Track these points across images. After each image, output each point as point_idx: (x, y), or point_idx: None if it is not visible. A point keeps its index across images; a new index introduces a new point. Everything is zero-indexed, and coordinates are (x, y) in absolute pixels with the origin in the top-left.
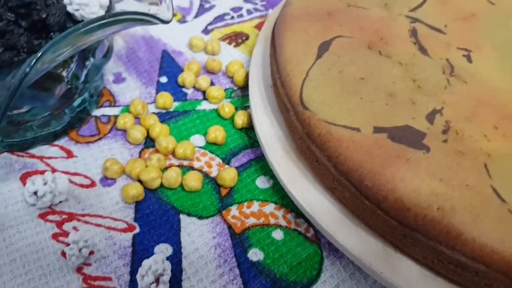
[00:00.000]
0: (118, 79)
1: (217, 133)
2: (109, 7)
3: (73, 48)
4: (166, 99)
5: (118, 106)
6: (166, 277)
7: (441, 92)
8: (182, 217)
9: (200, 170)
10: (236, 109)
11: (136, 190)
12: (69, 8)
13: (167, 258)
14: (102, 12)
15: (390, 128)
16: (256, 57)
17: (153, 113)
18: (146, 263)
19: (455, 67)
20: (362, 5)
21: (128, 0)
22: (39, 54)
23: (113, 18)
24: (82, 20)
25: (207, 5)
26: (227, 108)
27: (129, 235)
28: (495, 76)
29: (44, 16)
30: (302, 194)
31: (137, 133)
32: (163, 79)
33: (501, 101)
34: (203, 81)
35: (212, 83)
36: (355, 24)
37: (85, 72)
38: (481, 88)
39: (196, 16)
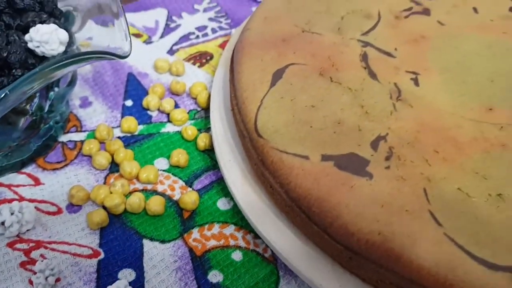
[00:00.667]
0: (85, 103)
1: (179, 156)
2: (70, 42)
3: (39, 84)
4: (130, 123)
5: (85, 131)
6: None
7: (387, 118)
8: (145, 241)
9: (163, 194)
10: (200, 130)
11: (100, 217)
12: (30, 45)
13: (130, 283)
14: (62, 48)
15: (336, 156)
16: (217, 79)
17: (119, 137)
18: None
19: (403, 91)
20: (317, 31)
21: (90, 26)
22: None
23: (71, 59)
24: (44, 56)
25: (172, 25)
26: (190, 131)
27: (94, 261)
28: (441, 99)
29: (5, 55)
30: (259, 218)
31: (102, 159)
32: (129, 103)
33: (443, 125)
34: (167, 103)
35: (176, 105)
36: (308, 51)
37: (49, 102)
38: (425, 112)
39: (162, 36)
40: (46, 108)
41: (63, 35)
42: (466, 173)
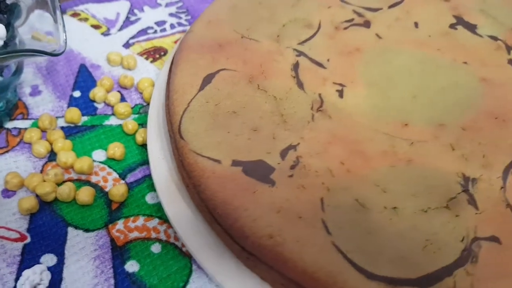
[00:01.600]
0: (35, 91)
1: (115, 149)
2: (12, 35)
3: None
4: (73, 114)
5: (30, 119)
6: (42, 287)
7: (303, 128)
8: (70, 229)
9: (96, 185)
10: (142, 125)
11: (30, 204)
12: None
13: (50, 268)
14: (1, 43)
15: (245, 162)
16: (160, 78)
17: (62, 127)
18: (25, 273)
19: (325, 102)
20: (255, 37)
21: (32, 19)
22: None
23: (5, 55)
24: None
25: (133, 18)
26: (130, 125)
27: (19, 245)
28: (360, 112)
29: None
30: (176, 214)
31: (41, 148)
32: (77, 93)
33: (356, 137)
34: (113, 97)
35: (123, 99)
36: (241, 57)
37: None
38: (342, 123)
39: (121, 29)
40: None
41: (1, 30)
42: (367, 185)
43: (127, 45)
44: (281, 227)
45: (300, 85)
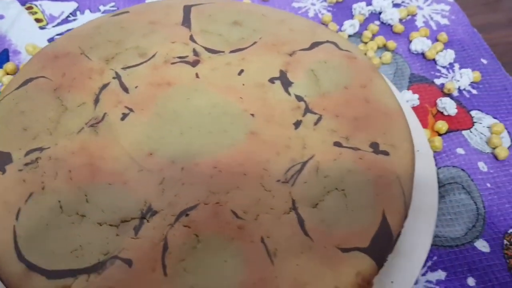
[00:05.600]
0: None
1: None
2: None
3: None
4: None
5: None
6: None
7: (64, 136)
8: None
9: None
10: None
11: None
12: None
13: None
14: None
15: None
16: None
17: None
18: None
19: (105, 121)
20: (91, 56)
21: None
22: None
23: None
24: None
25: (71, 18)
26: None
27: None
28: (128, 136)
29: None
30: None
31: None
32: None
33: (103, 155)
34: (7, 79)
35: None
36: (64, 70)
37: None
38: (102, 141)
39: (56, 25)
40: None
41: None
42: (76, 193)
43: (51, 40)
44: None
45: (96, 102)
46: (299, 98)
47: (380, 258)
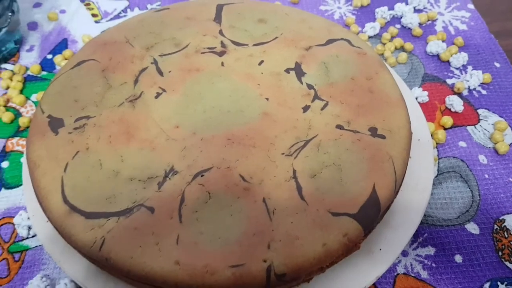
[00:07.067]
0: (31, 49)
1: None
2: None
3: None
4: (35, 69)
5: (13, 64)
6: None
7: (107, 108)
8: None
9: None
10: None
11: None
12: None
13: None
14: None
15: (53, 117)
16: None
17: (28, 75)
18: None
19: (141, 98)
20: (133, 43)
21: None
22: None
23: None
24: None
25: (122, 15)
26: None
27: None
28: (159, 111)
29: None
30: None
31: (3, 83)
32: (49, 56)
33: (137, 125)
34: (64, 63)
35: None
36: (110, 54)
37: None
38: (138, 114)
39: (109, 20)
40: None
41: None
42: (113, 154)
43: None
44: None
45: (135, 82)
46: (309, 86)
47: (367, 224)
